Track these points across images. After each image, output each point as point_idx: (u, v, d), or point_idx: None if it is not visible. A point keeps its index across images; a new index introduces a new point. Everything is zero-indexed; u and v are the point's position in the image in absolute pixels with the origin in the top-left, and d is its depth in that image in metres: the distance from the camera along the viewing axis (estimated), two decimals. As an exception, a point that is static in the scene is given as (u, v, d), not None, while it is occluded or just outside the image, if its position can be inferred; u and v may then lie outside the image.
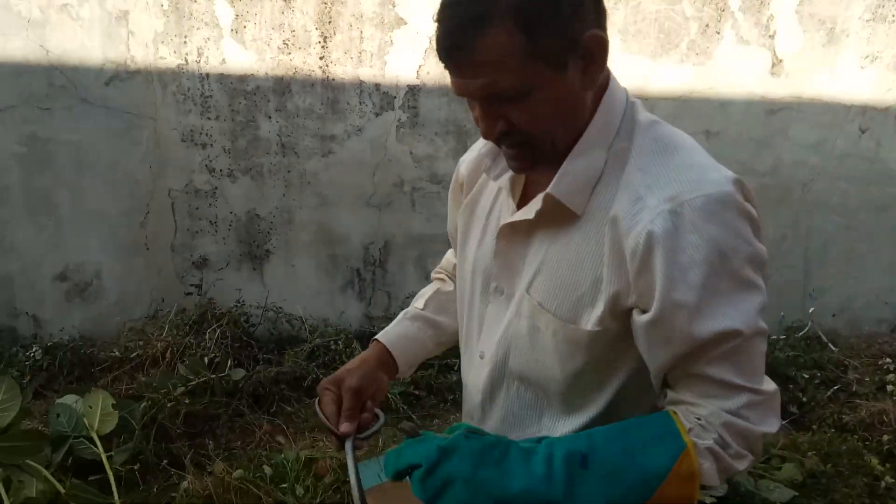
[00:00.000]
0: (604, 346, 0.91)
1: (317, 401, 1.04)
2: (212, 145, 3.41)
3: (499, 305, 1.03)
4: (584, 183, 0.89)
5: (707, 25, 3.44)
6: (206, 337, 3.29)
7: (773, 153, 3.72)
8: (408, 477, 0.83)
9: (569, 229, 0.91)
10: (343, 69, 3.39)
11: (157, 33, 3.16)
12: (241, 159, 3.46)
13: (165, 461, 2.60)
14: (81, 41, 3.12)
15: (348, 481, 0.91)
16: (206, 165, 3.44)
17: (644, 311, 0.84)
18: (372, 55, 3.37)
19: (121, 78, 3.19)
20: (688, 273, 0.80)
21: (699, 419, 0.84)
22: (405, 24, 3.33)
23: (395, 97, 3.45)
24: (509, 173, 0.99)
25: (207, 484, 2.48)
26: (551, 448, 0.83)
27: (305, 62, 3.35)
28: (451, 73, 0.85)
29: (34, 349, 3.32)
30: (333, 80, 3.40)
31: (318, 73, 3.37)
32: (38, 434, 2.23)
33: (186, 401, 2.86)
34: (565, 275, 0.91)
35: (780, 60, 3.55)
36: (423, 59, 3.41)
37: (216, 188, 3.49)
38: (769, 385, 0.86)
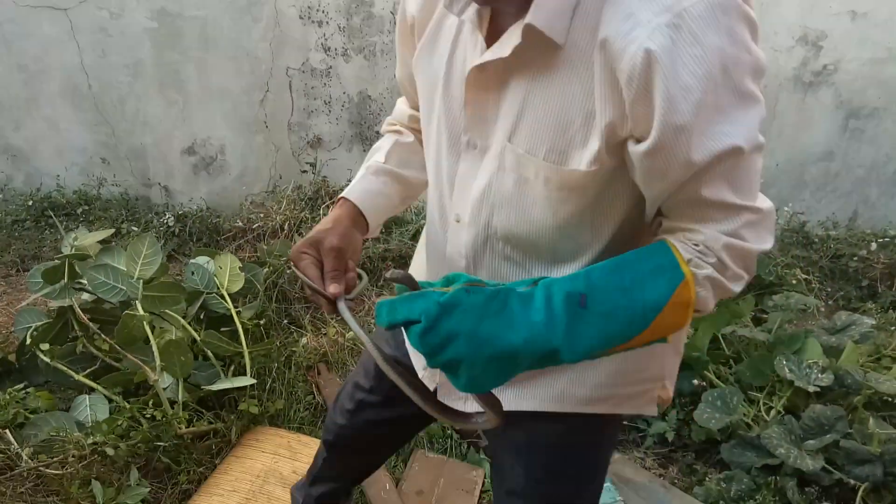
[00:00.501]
0: (599, 187, 0.86)
1: (294, 265, 0.99)
2: (328, 23, 3.43)
3: (472, 161, 0.94)
4: (564, 6, 0.78)
5: None
6: (321, 213, 3.45)
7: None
8: (402, 328, 0.78)
9: (550, 64, 0.81)
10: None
11: None
12: (356, 38, 3.47)
13: (286, 320, 2.81)
14: (205, -87, 3.15)
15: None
16: (322, 44, 3.48)
17: (640, 140, 0.78)
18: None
19: (242, -49, 3.23)
20: (689, 93, 0.72)
21: (697, 245, 0.81)
22: None
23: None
24: (474, 5, 0.85)
25: (323, 343, 2.68)
26: (550, 290, 0.78)
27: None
28: None
29: (167, 216, 3.60)
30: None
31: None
32: (177, 286, 2.44)
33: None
34: (552, 115, 0.83)
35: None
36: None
37: (330, 67, 3.53)
38: (765, 202, 0.83)
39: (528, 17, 0.78)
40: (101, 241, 2.79)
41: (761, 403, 2.22)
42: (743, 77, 0.75)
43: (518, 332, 0.75)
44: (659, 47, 0.71)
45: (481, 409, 0.87)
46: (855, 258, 3.20)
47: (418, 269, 1.21)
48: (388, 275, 0.77)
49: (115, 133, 3.74)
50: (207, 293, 2.60)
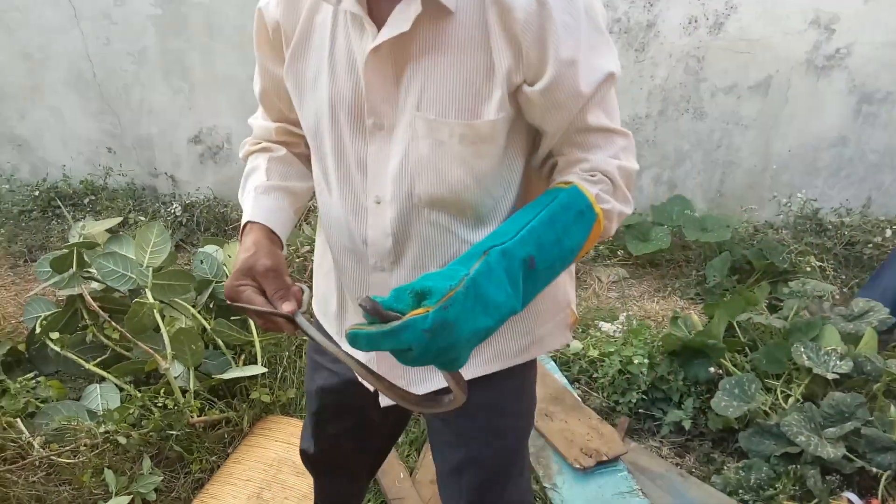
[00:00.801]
0: (505, 134, 0.95)
1: (235, 300, 0.97)
2: (334, 9, 3.38)
3: (382, 141, 0.97)
4: None
5: None
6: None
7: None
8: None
9: (444, 30, 0.89)
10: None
11: None
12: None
13: (296, 309, 2.78)
14: None
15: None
16: (329, 30, 3.44)
17: (534, 82, 0.89)
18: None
19: (248, -64, 3.18)
20: (571, 30, 0.86)
21: (594, 175, 0.94)
22: None
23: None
24: None
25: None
26: (509, 261, 0.84)
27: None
28: None
29: (174, 206, 3.57)
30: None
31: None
32: (187, 275, 2.42)
33: (313, 258, 3.02)
34: (456, 78, 0.90)
35: None
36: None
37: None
38: (625, 128, 0.98)
39: None
40: (109, 230, 2.77)
41: (778, 391, 2.19)
42: (599, 19, 0.90)
43: (492, 315, 0.81)
44: None
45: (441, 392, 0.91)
46: (869, 245, 3.17)
47: (326, 279, 1.20)
48: (360, 302, 0.75)
49: (121, 122, 3.71)
50: (217, 282, 2.58)
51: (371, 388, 1.00)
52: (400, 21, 0.87)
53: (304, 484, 1.94)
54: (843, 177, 3.47)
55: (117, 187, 3.79)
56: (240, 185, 1.14)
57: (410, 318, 0.74)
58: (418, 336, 0.74)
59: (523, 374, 1.18)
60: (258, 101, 1.15)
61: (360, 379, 0.89)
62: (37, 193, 3.70)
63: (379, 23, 0.90)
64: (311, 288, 1.12)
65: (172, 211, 3.54)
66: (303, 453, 1.43)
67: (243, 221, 1.06)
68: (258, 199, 1.07)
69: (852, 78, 3.28)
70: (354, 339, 0.75)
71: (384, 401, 1.15)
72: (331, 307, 1.19)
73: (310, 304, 1.01)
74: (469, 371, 1.08)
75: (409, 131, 0.94)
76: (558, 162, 0.98)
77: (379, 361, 1.11)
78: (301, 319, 0.94)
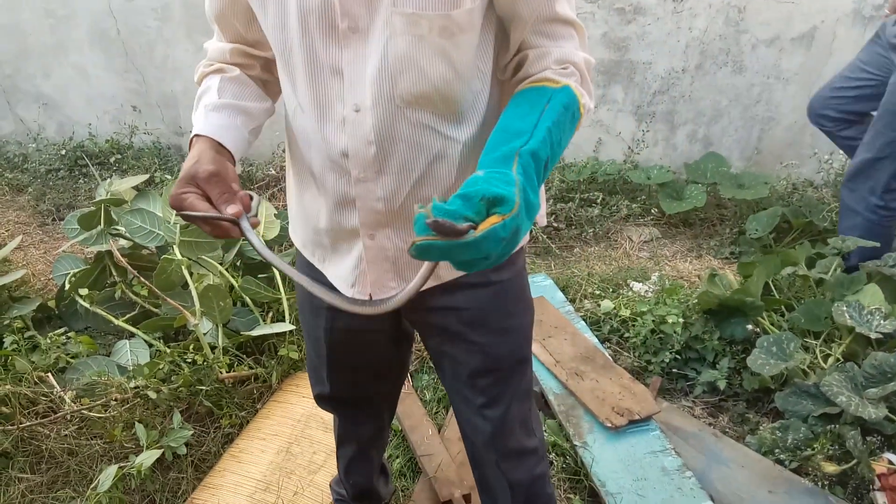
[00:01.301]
0: (480, 23, 0.96)
1: (179, 208, 0.95)
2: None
3: (357, 45, 0.95)
4: None
5: None
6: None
7: None
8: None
9: None
10: None
11: None
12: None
13: (322, 268, 2.76)
14: None
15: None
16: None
17: None
18: None
19: None
20: None
21: (566, 68, 0.97)
22: None
23: None
24: None
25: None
26: (537, 163, 0.86)
27: None
28: None
29: (200, 164, 3.55)
30: None
31: None
32: (213, 232, 2.41)
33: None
34: None
35: None
36: None
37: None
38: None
39: None
40: (136, 188, 2.76)
41: (818, 350, 2.13)
42: None
43: (531, 217, 0.83)
44: None
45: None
46: (914, 203, 3.04)
47: (300, 206, 1.18)
48: (427, 222, 0.71)
49: (146, 80, 3.68)
50: (243, 240, 2.56)
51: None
52: None
53: (332, 439, 1.93)
54: (888, 133, 3.33)
55: (143, 146, 3.77)
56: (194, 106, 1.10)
57: (491, 228, 0.73)
58: (496, 244, 0.74)
59: (515, 264, 1.20)
60: (211, 22, 1.12)
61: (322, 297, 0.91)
62: (63, 152, 3.71)
63: None
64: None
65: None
66: (318, 397, 1.43)
67: (191, 137, 1.03)
68: (208, 115, 1.04)
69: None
70: (427, 251, 0.73)
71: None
72: (321, 233, 1.15)
73: (258, 209, 0.98)
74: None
75: (386, 30, 0.93)
76: (529, 55, 1.00)
77: (369, 270, 1.11)
78: (245, 224, 0.93)
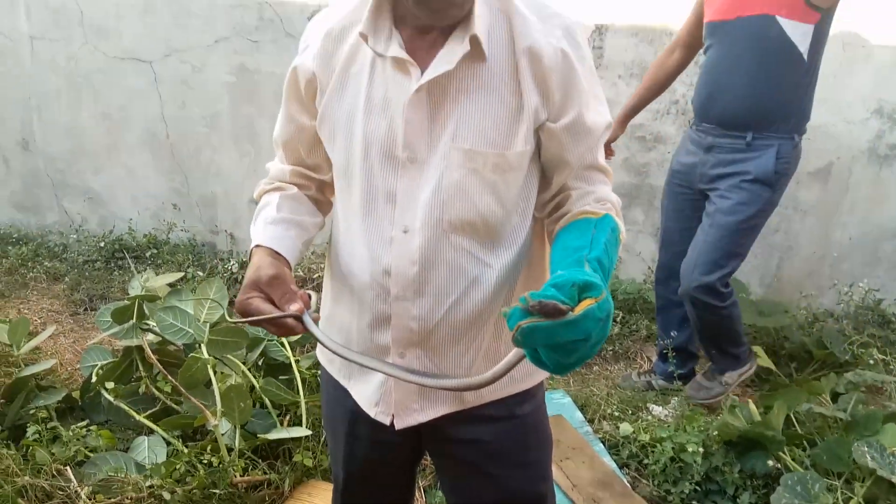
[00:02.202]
0: (527, 165, 1.08)
1: (245, 312, 1.02)
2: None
3: (414, 174, 1.05)
4: (483, 30, 1.00)
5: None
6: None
7: None
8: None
9: (478, 72, 1.02)
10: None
11: (357, -30, 3.29)
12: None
13: (343, 373, 2.79)
14: (290, -23, 3.32)
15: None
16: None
17: (557, 119, 1.05)
18: (560, -4, 3.30)
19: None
20: (587, 79, 1.05)
21: (605, 203, 1.11)
22: (598, -38, 3.22)
23: (579, 40, 3.36)
24: (396, 41, 1.02)
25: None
26: (603, 271, 0.94)
27: None
28: None
29: (231, 262, 3.67)
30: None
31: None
32: (241, 332, 2.46)
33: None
34: (489, 113, 1.03)
35: None
36: None
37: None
38: None
39: (474, 30, 0.99)
40: (169, 284, 2.85)
41: (839, 492, 2.08)
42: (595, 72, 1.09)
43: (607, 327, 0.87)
44: (567, 47, 1.02)
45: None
46: (936, 341, 3.04)
47: (331, 320, 1.24)
48: (531, 305, 0.79)
49: (188, 181, 3.88)
50: (268, 340, 2.61)
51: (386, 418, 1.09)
52: (445, 61, 1.00)
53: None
54: (907, 268, 3.37)
55: (179, 242, 3.92)
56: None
57: (588, 308, 0.80)
58: (595, 324, 0.80)
59: (536, 396, 1.24)
60: (277, 146, 1.25)
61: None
62: (102, 244, 3.86)
63: (419, 65, 1.02)
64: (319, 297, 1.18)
65: (229, 268, 3.63)
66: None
67: (251, 248, 1.13)
68: (267, 228, 1.14)
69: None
70: (532, 333, 0.79)
71: (400, 423, 1.18)
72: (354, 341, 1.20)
73: (318, 305, 1.08)
74: (494, 392, 1.17)
75: (443, 162, 1.04)
76: (571, 195, 1.13)
77: (395, 389, 1.16)
78: (308, 319, 1.01)
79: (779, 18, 2.18)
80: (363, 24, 1.02)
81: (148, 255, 3.82)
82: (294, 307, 1.00)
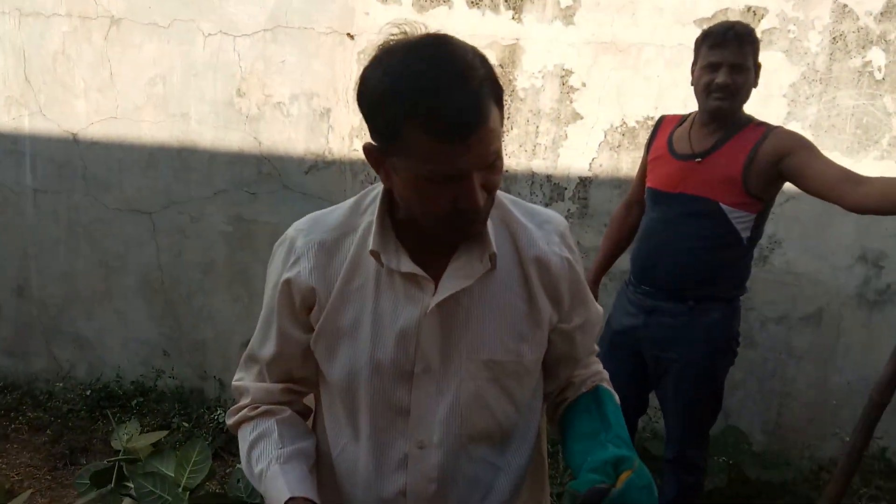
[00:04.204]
0: (538, 368, 1.12)
1: None
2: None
3: (428, 386, 1.02)
4: (492, 238, 1.04)
5: (913, 121, 3.17)
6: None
7: None
8: None
9: (489, 284, 1.03)
10: (517, 161, 3.49)
11: (353, 128, 3.45)
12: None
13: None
14: (289, 135, 3.48)
15: None
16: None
17: (569, 321, 1.11)
18: (546, 148, 3.45)
19: (318, 167, 3.50)
20: (584, 277, 1.14)
21: (603, 380, 1.19)
22: (581, 118, 3.39)
23: (565, 188, 3.48)
24: (405, 256, 1.01)
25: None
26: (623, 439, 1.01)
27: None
28: (460, 149, 0.86)
29: (218, 412, 3.59)
30: (507, 171, 3.50)
31: (495, 165, 3.50)
32: (222, 497, 2.37)
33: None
34: (504, 323, 1.04)
35: None
36: (597, 153, 3.43)
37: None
38: None
39: (492, 248, 1.01)
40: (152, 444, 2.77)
41: None
42: None
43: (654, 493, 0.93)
44: (567, 253, 1.10)
45: None
46: (948, 494, 2.93)
47: None
48: (582, 499, 0.86)
49: (180, 326, 3.86)
50: (252, 503, 2.50)
51: None
52: (462, 276, 1.00)
53: None
54: (909, 414, 3.30)
55: (166, 389, 3.85)
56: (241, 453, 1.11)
57: (628, 479, 0.86)
58: (639, 492, 0.86)
59: None
60: (256, 363, 1.16)
61: None
62: (88, 393, 3.78)
63: (417, 280, 1.02)
64: None
65: (216, 418, 3.54)
66: None
67: (282, 498, 1.01)
68: (286, 470, 1.04)
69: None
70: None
71: None
72: None
73: None
74: None
75: (459, 373, 1.01)
76: (574, 382, 1.18)
77: None
78: None
79: (721, 204, 2.17)
80: (373, 242, 1.00)
81: (134, 402, 3.73)
82: None
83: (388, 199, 1.04)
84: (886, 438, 3.25)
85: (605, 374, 1.22)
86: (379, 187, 1.06)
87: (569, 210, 3.47)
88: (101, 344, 3.98)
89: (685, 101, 2.32)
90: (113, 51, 3.56)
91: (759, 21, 3.08)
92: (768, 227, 3.21)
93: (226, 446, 3.46)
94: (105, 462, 2.53)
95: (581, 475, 0.88)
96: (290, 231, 1.13)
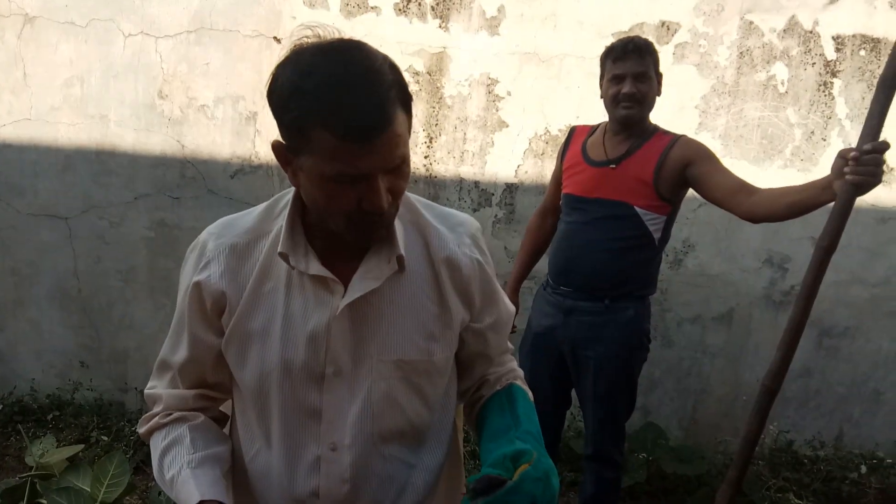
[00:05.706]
0: (449, 366, 1.14)
1: None
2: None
3: (340, 388, 1.03)
4: (401, 240, 1.05)
5: (812, 132, 3.39)
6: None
7: (885, 262, 3.54)
8: None
9: (399, 285, 1.05)
10: (445, 167, 3.54)
11: (280, 133, 3.42)
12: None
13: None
14: (213, 138, 3.42)
15: None
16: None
17: (481, 320, 1.15)
18: (473, 155, 3.51)
19: (245, 171, 3.45)
20: (494, 278, 1.17)
21: (516, 377, 1.24)
22: (507, 126, 3.47)
23: (492, 194, 3.55)
24: (314, 259, 1.02)
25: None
26: (532, 434, 1.04)
27: (412, 161, 3.52)
28: (364, 150, 0.87)
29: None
30: (436, 177, 3.55)
31: (423, 170, 3.53)
32: (142, 510, 2.31)
33: None
34: (414, 323, 1.05)
35: (892, 169, 3.44)
36: (522, 160, 3.51)
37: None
38: None
39: (401, 250, 1.02)
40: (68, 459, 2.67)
41: None
42: None
43: (556, 475, 0.97)
44: (478, 254, 1.12)
45: None
46: (847, 482, 3.13)
47: None
48: (473, 486, 0.88)
49: (99, 336, 3.73)
50: (174, 517, 2.44)
51: None
52: (370, 278, 1.01)
53: None
54: (813, 408, 3.52)
55: (84, 402, 3.70)
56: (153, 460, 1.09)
57: (524, 471, 0.88)
58: (535, 484, 0.87)
59: None
60: (168, 370, 1.14)
61: None
62: (0, 407, 3.60)
63: (340, 281, 1.03)
64: None
65: (136, 430, 3.43)
66: None
67: (192, 501, 1.00)
68: (197, 475, 1.03)
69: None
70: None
71: None
72: None
73: None
74: None
75: (370, 374, 1.03)
76: (489, 379, 1.21)
77: None
78: None
79: (636, 207, 2.31)
80: (282, 244, 1.00)
81: (50, 417, 3.58)
82: None
83: (299, 202, 1.04)
84: (793, 432, 3.45)
85: (520, 372, 1.25)
86: (292, 191, 1.06)
87: (496, 215, 3.55)
88: (13, 356, 3.80)
89: (604, 111, 2.42)
90: (27, 50, 3.42)
91: (672, 36, 3.23)
92: (682, 232, 3.38)
93: (147, 459, 3.35)
94: (17, 478, 2.43)
95: (481, 470, 0.90)
96: (203, 235, 1.13)
